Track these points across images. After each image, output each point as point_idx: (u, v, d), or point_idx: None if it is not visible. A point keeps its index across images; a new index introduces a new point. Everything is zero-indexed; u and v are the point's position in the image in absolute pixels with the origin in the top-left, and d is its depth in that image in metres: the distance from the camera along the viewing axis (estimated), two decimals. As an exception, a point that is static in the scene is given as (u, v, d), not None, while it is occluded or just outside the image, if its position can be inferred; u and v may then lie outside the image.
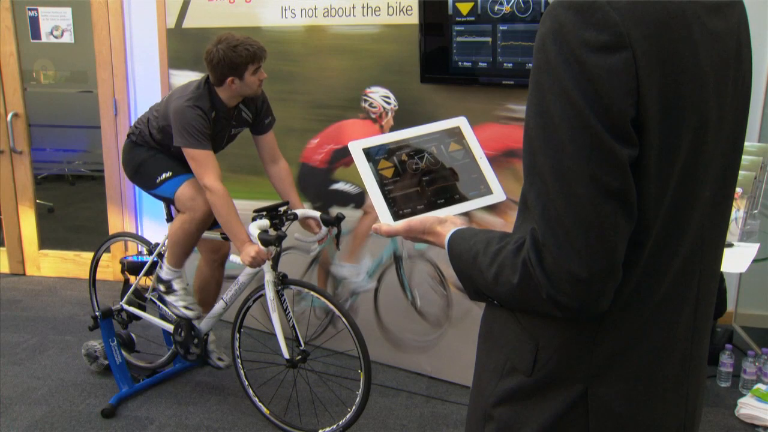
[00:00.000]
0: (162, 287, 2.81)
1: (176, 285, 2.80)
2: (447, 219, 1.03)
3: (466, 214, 1.12)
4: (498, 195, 1.13)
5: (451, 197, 1.10)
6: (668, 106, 0.80)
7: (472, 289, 0.95)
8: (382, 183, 1.07)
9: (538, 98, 0.82)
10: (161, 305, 2.90)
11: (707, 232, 0.93)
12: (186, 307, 2.78)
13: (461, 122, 1.17)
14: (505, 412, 0.97)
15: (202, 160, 2.46)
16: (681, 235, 0.88)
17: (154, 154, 2.73)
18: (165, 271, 2.80)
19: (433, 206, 1.08)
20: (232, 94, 2.54)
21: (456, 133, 1.16)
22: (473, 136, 1.17)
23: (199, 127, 2.46)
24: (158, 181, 2.68)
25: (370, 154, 1.09)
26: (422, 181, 1.09)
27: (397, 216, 1.05)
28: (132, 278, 3.07)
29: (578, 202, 0.78)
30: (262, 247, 2.38)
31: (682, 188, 0.85)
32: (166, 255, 2.78)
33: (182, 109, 2.46)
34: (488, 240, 0.92)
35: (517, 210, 0.91)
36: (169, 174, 2.67)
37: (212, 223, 2.69)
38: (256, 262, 2.39)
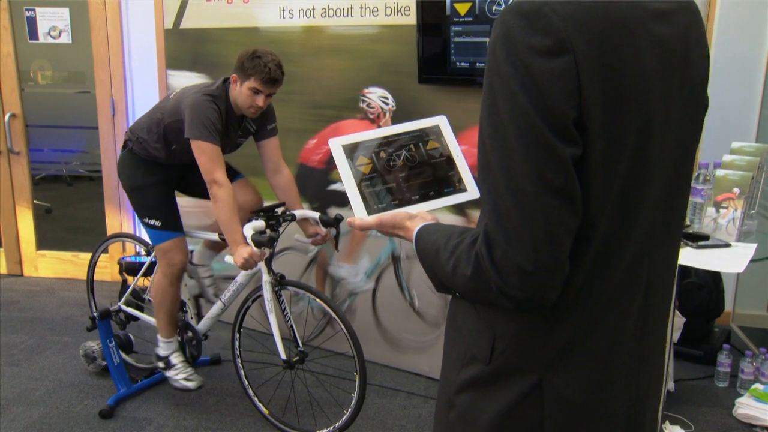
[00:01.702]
0: (161, 364, 2.86)
1: (174, 359, 2.83)
2: (417, 215, 1.07)
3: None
4: (472, 192, 1.16)
5: (426, 194, 1.13)
6: (611, 107, 0.84)
7: (437, 281, 0.99)
8: (359, 178, 1.10)
9: (489, 99, 0.87)
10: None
11: (658, 229, 0.96)
12: (186, 379, 2.83)
13: (440, 121, 1.20)
14: (465, 399, 1.01)
15: (212, 153, 2.46)
16: (629, 230, 0.92)
17: (151, 186, 2.71)
18: (161, 347, 2.84)
19: (407, 202, 1.11)
20: (234, 99, 2.54)
21: (435, 132, 1.19)
22: (452, 134, 1.20)
23: (214, 120, 2.46)
24: (146, 222, 2.70)
25: (349, 151, 1.12)
26: (399, 178, 1.12)
27: (371, 211, 1.09)
28: (130, 279, 3.06)
29: (525, 198, 0.82)
30: (254, 249, 2.37)
31: (629, 186, 0.89)
32: (158, 328, 2.82)
33: (200, 102, 2.47)
34: (449, 234, 0.96)
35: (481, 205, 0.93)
36: (158, 223, 2.69)
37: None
38: (248, 264, 2.39)
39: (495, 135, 0.85)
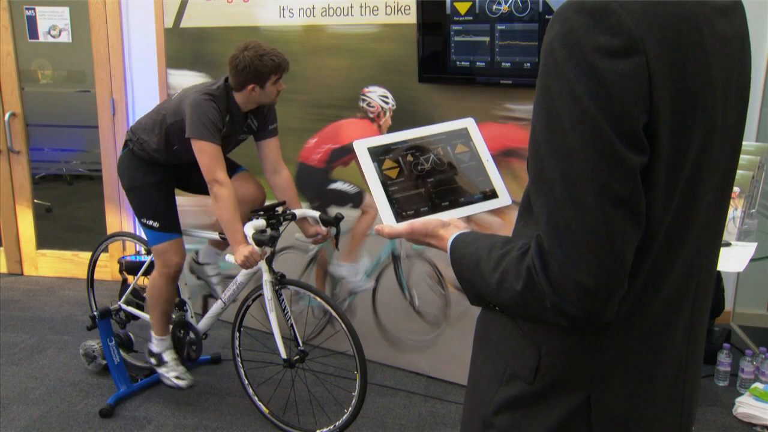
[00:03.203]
0: (153, 360, 2.87)
1: (166, 357, 2.85)
2: (450, 222, 1.02)
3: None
4: (504, 199, 1.10)
5: (456, 200, 1.07)
6: (679, 111, 0.79)
7: (473, 294, 0.94)
8: (385, 183, 1.05)
9: (546, 103, 0.80)
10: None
11: (706, 235, 0.93)
12: (177, 377, 2.84)
13: (469, 123, 1.15)
14: (506, 419, 0.96)
15: (213, 153, 2.46)
16: (682, 240, 0.88)
17: (149, 186, 2.70)
18: (154, 344, 2.85)
19: (437, 208, 1.05)
20: (248, 101, 2.54)
21: (463, 135, 1.13)
22: (480, 137, 1.14)
23: (214, 120, 2.46)
24: (144, 222, 2.70)
25: (374, 153, 1.07)
26: (427, 183, 1.07)
27: (400, 217, 1.03)
28: (130, 278, 3.06)
29: (587, 210, 0.77)
30: (255, 248, 2.38)
31: (687, 193, 0.84)
32: (151, 325, 2.83)
33: (200, 102, 2.46)
34: (491, 245, 0.90)
35: (518, 213, 0.89)
36: (156, 225, 2.68)
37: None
38: (248, 262, 2.39)
39: (553, 142, 0.79)
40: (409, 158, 1.08)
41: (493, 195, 1.10)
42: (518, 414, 0.94)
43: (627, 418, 0.91)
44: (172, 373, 2.83)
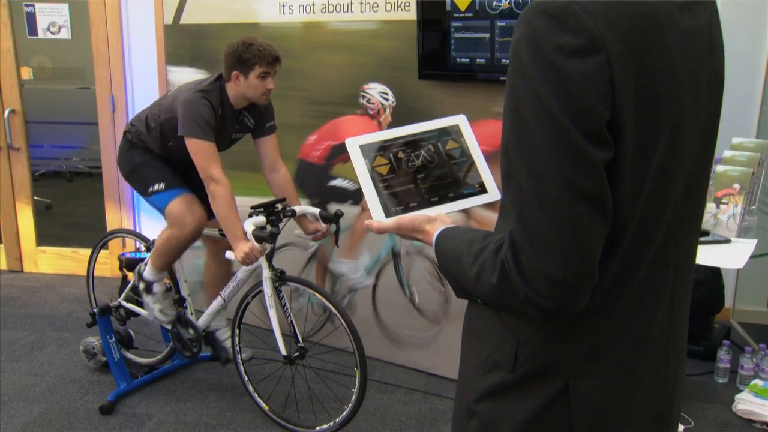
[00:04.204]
0: (142, 285, 2.82)
1: (156, 288, 2.81)
2: (437, 217, 1.05)
3: (464, 210, 1.12)
4: (493, 194, 1.13)
5: (446, 195, 1.10)
6: (644, 107, 0.81)
7: (457, 287, 0.97)
8: (376, 180, 1.07)
9: (513, 103, 0.83)
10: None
11: (680, 226, 0.95)
12: (161, 311, 2.79)
13: (460, 120, 1.17)
14: (487, 407, 0.99)
15: (207, 151, 2.45)
16: (654, 231, 0.90)
17: (150, 160, 2.70)
18: (148, 271, 2.80)
19: (426, 204, 1.08)
20: (237, 94, 2.53)
21: (454, 131, 1.16)
22: (471, 134, 1.16)
23: (207, 118, 2.45)
24: (150, 190, 2.67)
25: (366, 150, 1.09)
26: (417, 179, 1.09)
27: (389, 213, 1.06)
28: (130, 275, 3.06)
29: (553, 206, 0.80)
30: (255, 244, 2.38)
31: (657, 186, 0.87)
32: (151, 256, 2.78)
33: (192, 99, 2.46)
34: (471, 240, 0.93)
35: (500, 208, 0.92)
36: (161, 186, 2.65)
37: (210, 215, 2.69)
38: (248, 259, 2.39)
39: (520, 140, 0.82)
40: (401, 155, 1.11)
41: (482, 190, 1.13)
42: (500, 401, 0.97)
43: (606, 406, 0.93)
44: (157, 304, 2.77)
